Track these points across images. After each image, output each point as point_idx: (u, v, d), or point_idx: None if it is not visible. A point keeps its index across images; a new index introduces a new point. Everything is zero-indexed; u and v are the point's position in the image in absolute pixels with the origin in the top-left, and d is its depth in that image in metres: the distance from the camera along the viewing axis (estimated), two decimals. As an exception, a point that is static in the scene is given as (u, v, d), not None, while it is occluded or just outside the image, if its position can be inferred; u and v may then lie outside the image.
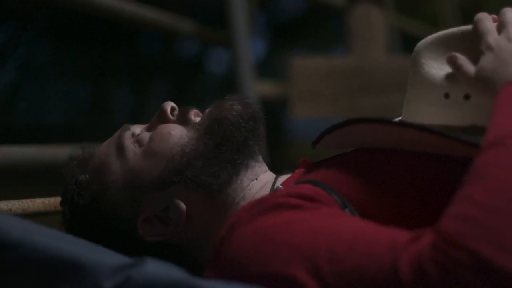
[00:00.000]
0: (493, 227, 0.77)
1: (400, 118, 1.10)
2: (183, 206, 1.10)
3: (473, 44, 1.00)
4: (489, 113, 0.92)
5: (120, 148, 1.14)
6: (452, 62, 1.00)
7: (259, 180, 1.14)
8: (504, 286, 0.75)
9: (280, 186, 1.11)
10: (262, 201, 0.99)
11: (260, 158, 1.17)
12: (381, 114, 2.49)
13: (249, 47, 2.56)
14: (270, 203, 0.97)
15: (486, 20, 1.00)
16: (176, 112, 1.16)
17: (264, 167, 1.17)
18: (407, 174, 1.00)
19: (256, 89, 2.59)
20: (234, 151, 1.12)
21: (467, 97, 1.00)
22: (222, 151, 1.11)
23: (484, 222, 0.78)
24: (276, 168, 1.20)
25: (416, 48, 1.06)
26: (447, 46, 1.04)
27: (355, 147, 1.12)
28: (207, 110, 1.16)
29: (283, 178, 1.14)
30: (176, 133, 1.13)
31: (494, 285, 0.75)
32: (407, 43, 4.07)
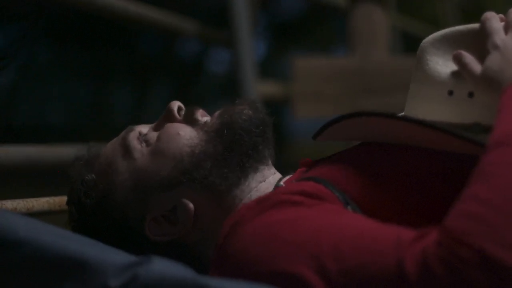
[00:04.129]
0: (499, 225, 0.78)
1: (402, 113, 1.10)
2: (191, 206, 1.10)
3: (479, 43, 1.00)
4: (492, 112, 0.92)
5: (127, 148, 1.14)
6: (457, 59, 1.00)
7: (267, 182, 1.14)
8: (510, 284, 0.76)
9: (282, 184, 1.12)
10: (264, 199, 0.99)
11: (269, 162, 1.17)
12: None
13: (251, 47, 2.56)
14: (272, 201, 0.97)
15: (494, 20, 1.00)
16: (182, 112, 1.16)
17: (273, 169, 1.17)
18: (409, 170, 1.01)
19: (258, 89, 2.58)
20: (243, 155, 1.12)
21: (471, 95, 1.01)
22: (231, 155, 1.11)
23: (490, 220, 0.78)
24: (279, 168, 1.20)
25: (421, 44, 1.06)
26: (453, 43, 1.04)
27: (356, 140, 1.12)
28: (217, 112, 1.15)
29: (287, 178, 1.15)
30: (185, 133, 1.13)
31: (500, 283, 0.76)
32: (408, 44, 4.07)
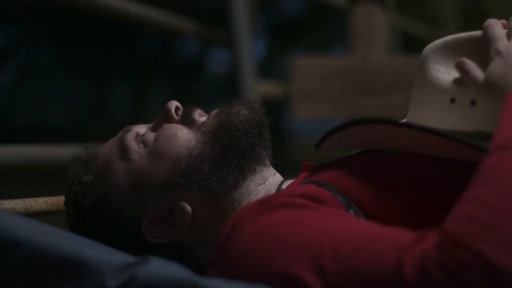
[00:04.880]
0: (499, 228, 0.78)
1: (404, 120, 1.10)
2: (188, 208, 1.10)
3: (482, 50, 1.00)
4: (495, 119, 0.92)
5: (124, 149, 1.14)
6: (460, 67, 1.00)
7: (267, 184, 1.14)
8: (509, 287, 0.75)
9: (283, 187, 1.12)
10: (265, 200, 0.99)
11: (268, 162, 1.16)
12: (383, 114, 2.49)
13: (250, 47, 2.56)
14: (274, 202, 0.97)
15: (496, 26, 1.00)
16: (180, 112, 1.16)
17: (272, 170, 1.17)
18: (412, 175, 1.00)
19: (258, 89, 2.58)
20: (240, 157, 1.12)
21: (473, 102, 1.00)
22: (229, 157, 1.11)
23: (490, 223, 0.78)
24: (278, 168, 1.20)
25: (424, 51, 1.06)
26: (455, 50, 1.04)
27: (359, 148, 1.12)
28: (213, 112, 1.15)
29: (289, 182, 1.14)
30: (183, 135, 1.12)
31: (498, 286, 0.75)
32: (408, 44, 4.07)
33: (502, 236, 0.77)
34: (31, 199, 1.28)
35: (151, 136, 1.14)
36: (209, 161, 1.11)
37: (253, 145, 1.13)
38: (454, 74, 1.03)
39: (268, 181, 1.14)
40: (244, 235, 0.95)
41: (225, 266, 0.95)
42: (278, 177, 1.16)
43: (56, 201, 1.31)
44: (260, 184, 1.14)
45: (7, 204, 1.22)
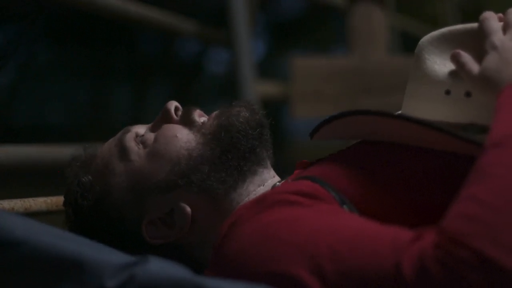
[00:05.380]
0: (497, 226, 0.78)
1: (399, 112, 1.10)
2: (188, 210, 1.10)
3: (478, 43, 1.00)
4: (489, 112, 0.92)
5: (123, 150, 1.14)
6: (455, 59, 1.00)
7: (266, 186, 1.14)
8: (508, 286, 0.75)
9: (278, 183, 1.12)
10: (261, 199, 0.99)
11: (268, 164, 1.16)
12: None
13: (250, 47, 2.56)
14: (269, 200, 0.97)
15: (492, 20, 1.00)
16: (179, 112, 1.16)
17: (272, 172, 1.17)
18: (406, 169, 1.01)
19: (257, 89, 2.59)
20: (240, 158, 1.12)
21: (468, 94, 1.01)
22: (229, 158, 1.11)
23: (488, 221, 0.78)
24: (278, 168, 1.20)
25: (420, 42, 1.06)
26: (451, 42, 1.04)
27: (353, 139, 1.12)
28: (214, 113, 1.15)
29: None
30: (183, 136, 1.12)
31: (497, 284, 0.76)
32: (407, 44, 4.07)
33: (500, 234, 0.77)
34: (30, 199, 1.28)
35: (150, 136, 1.14)
36: (209, 162, 1.10)
37: (254, 147, 1.13)
38: (449, 66, 1.03)
39: (267, 183, 1.14)
40: (242, 234, 0.95)
41: (223, 265, 0.95)
42: (277, 179, 1.16)
43: (55, 201, 1.31)
44: (259, 186, 1.13)
45: (7, 204, 1.22)
